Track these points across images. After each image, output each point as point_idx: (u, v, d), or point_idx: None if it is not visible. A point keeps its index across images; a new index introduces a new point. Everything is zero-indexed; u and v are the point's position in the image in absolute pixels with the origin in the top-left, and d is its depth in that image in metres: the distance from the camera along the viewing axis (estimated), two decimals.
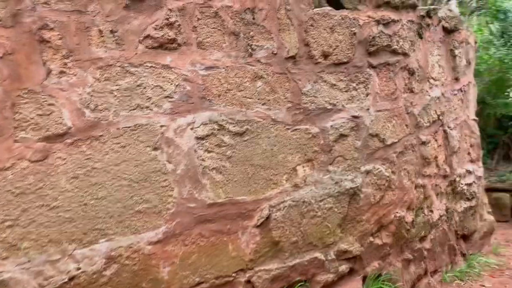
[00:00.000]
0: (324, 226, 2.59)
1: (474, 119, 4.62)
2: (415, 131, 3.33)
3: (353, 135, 2.75)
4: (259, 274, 2.34)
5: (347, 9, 2.80)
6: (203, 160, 2.21)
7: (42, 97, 1.86)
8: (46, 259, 1.85)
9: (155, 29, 2.10)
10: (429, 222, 3.48)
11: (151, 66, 2.09)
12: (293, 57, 2.50)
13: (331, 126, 2.64)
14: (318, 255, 2.56)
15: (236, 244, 2.28)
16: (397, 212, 3.05)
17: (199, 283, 2.16)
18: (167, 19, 2.13)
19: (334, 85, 2.68)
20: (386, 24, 2.97)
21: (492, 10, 7.90)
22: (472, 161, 4.42)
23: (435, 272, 3.56)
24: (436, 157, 3.63)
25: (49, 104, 1.87)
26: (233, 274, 2.27)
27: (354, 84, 2.78)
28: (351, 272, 2.75)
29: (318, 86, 2.60)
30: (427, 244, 3.44)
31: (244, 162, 2.32)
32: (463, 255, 4.11)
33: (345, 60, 2.73)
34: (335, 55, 2.68)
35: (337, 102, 2.68)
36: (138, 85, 2.06)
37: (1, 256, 1.78)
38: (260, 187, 2.37)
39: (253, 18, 2.37)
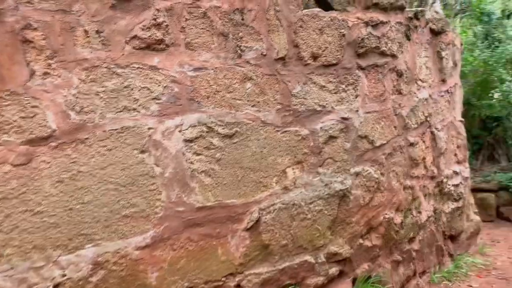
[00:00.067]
0: (314, 229, 2.57)
1: (460, 121, 4.66)
2: (403, 132, 3.34)
3: (342, 136, 2.74)
4: (249, 278, 2.31)
5: (336, 10, 2.79)
6: (191, 163, 2.17)
7: (26, 98, 1.80)
8: (30, 266, 1.79)
9: (142, 29, 2.06)
10: (418, 223, 3.49)
11: (138, 67, 2.05)
12: (282, 59, 2.48)
13: (321, 128, 2.63)
14: (308, 258, 2.54)
15: (225, 248, 2.25)
16: (386, 214, 3.05)
17: None
18: (155, 19, 2.09)
19: (324, 86, 2.66)
20: (375, 25, 2.97)
21: (476, 12, 8.00)
22: (459, 162, 4.46)
23: (423, 273, 3.57)
24: (424, 159, 3.65)
25: (33, 106, 1.81)
26: (223, 279, 2.23)
27: (343, 86, 2.77)
28: (341, 274, 2.74)
29: (308, 88, 2.58)
30: (415, 245, 3.45)
31: (234, 165, 2.29)
32: (451, 255, 4.13)
33: (334, 62, 2.71)
34: (324, 56, 2.66)
35: (326, 103, 2.67)
36: (125, 87, 2.01)
37: None
38: (250, 190, 2.34)
39: (242, 19, 2.34)
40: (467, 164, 4.75)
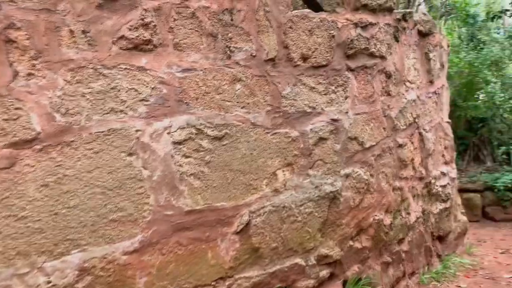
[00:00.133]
0: (305, 231, 2.55)
1: (447, 122, 4.70)
2: (392, 134, 3.35)
3: (332, 138, 2.73)
4: (239, 282, 2.28)
5: (325, 11, 2.78)
6: (180, 165, 2.13)
7: (9, 100, 1.75)
8: (13, 273, 1.73)
9: (130, 29, 2.01)
10: (407, 224, 3.49)
11: (125, 68, 2.00)
12: (272, 60, 2.46)
13: (311, 129, 2.61)
14: (299, 260, 2.52)
15: (215, 252, 2.22)
16: (376, 215, 3.05)
17: None
18: (142, 19, 2.05)
19: (313, 88, 2.65)
20: (364, 27, 2.97)
21: (462, 14, 8.09)
22: (446, 163, 4.49)
23: (412, 274, 3.58)
24: (412, 160, 3.66)
25: (16, 108, 1.76)
26: (213, 283, 2.20)
27: (333, 87, 2.75)
28: (332, 277, 2.72)
29: (298, 89, 2.57)
30: (405, 247, 3.45)
31: (223, 167, 2.26)
32: (439, 256, 4.16)
33: (324, 63, 2.70)
34: (314, 58, 2.65)
35: (316, 105, 2.65)
36: (112, 88, 1.96)
37: None
38: (240, 193, 2.31)
39: (232, 19, 2.31)
40: (454, 165, 4.79)
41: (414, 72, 3.79)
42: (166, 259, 2.07)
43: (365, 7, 3.02)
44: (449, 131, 4.68)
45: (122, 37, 1.99)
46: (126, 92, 1.99)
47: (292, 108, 2.54)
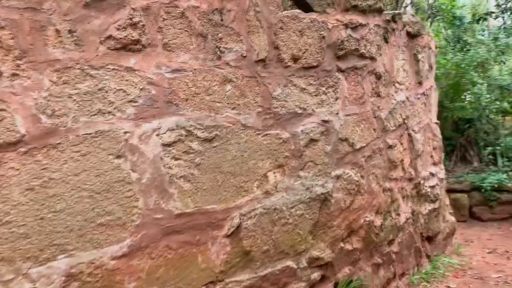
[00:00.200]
0: (296, 234, 2.53)
1: (436, 123, 4.72)
2: (382, 135, 3.35)
3: (323, 139, 2.71)
4: (230, 286, 2.25)
5: (315, 12, 2.77)
6: (170, 168, 2.09)
7: None
8: None
9: (118, 29, 1.97)
10: (397, 225, 3.50)
11: (113, 69, 1.96)
12: (263, 60, 2.43)
13: (302, 131, 2.59)
14: (290, 263, 2.49)
15: (205, 256, 2.18)
16: (366, 217, 3.04)
17: None
18: (131, 18, 2.00)
19: (304, 89, 2.63)
20: (354, 28, 2.96)
21: (449, 16, 8.17)
22: (435, 163, 4.51)
23: (402, 275, 3.59)
24: (402, 161, 3.67)
25: (0, 110, 1.70)
26: (203, 287, 2.16)
27: (323, 88, 2.74)
28: (323, 279, 2.70)
29: (288, 90, 2.54)
30: (395, 248, 3.45)
31: (214, 170, 2.22)
32: (428, 256, 4.17)
33: (314, 64, 2.69)
34: (304, 58, 2.63)
35: (307, 106, 2.63)
36: (99, 89, 1.92)
37: None
38: (231, 195, 2.28)
39: (222, 20, 2.28)
40: (442, 166, 4.82)
41: (403, 73, 3.80)
42: (155, 263, 2.03)
43: (355, 8, 3.01)
44: (438, 132, 4.71)
45: (110, 37, 1.95)
46: (114, 93, 1.95)
47: (283, 109, 2.51)
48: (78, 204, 1.84)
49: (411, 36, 4.00)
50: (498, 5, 8.70)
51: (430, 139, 4.44)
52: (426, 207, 4.17)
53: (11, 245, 1.70)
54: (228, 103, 2.29)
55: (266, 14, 2.46)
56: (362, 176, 3.01)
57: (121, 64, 1.98)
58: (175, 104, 2.12)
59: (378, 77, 3.27)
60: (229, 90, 2.30)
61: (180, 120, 2.13)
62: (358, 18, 3.02)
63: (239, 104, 2.33)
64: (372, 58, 3.17)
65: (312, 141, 2.64)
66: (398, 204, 3.58)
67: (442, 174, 4.74)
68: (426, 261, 4.09)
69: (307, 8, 2.75)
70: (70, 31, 1.84)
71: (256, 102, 2.40)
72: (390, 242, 3.40)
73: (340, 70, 2.87)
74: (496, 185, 6.91)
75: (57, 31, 1.82)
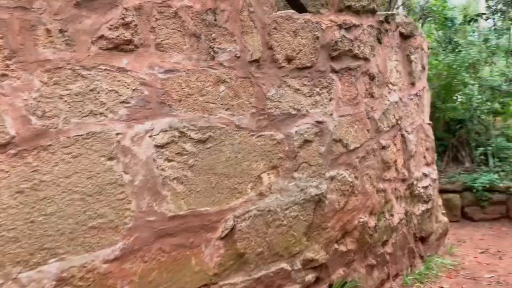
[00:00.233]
0: (290, 235, 2.51)
1: (428, 123, 4.74)
2: (376, 135, 3.34)
3: (317, 140, 2.70)
4: None
5: (309, 12, 2.75)
6: (163, 170, 2.06)
7: None
8: None
9: (110, 29, 1.94)
10: (390, 226, 3.49)
11: (105, 69, 1.93)
12: (256, 61, 2.41)
13: (296, 131, 2.58)
14: (284, 265, 2.48)
15: (199, 258, 2.15)
16: (360, 218, 3.04)
17: None
18: (123, 18, 1.97)
19: (298, 90, 2.61)
20: (348, 28, 2.95)
21: (440, 17, 8.21)
22: (427, 164, 4.53)
23: (396, 276, 3.58)
24: (395, 161, 3.67)
25: None
26: None
27: (317, 89, 2.73)
28: (317, 281, 2.69)
29: (282, 91, 2.53)
30: (388, 248, 3.45)
31: (207, 171, 2.20)
32: (421, 257, 4.18)
33: (308, 65, 2.67)
34: (298, 59, 2.62)
35: (301, 107, 2.62)
36: (91, 90, 1.88)
37: None
38: (224, 197, 2.25)
39: (215, 20, 2.26)
40: (435, 166, 4.84)
41: (396, 74, 3.80)
42: (148, 266, 2.00)
43: (349, 9, 3.00)
44: (430, 132, 4.72)
45: (101, 36, 1.92)
46: (106, 94, 1.92)
47: (277, 110, 2.50)
48: (70, 207, 1.81)
49: (404, 37, 4.01)
50: (488, 7, 8.77)
51: (423, 139, 4.45)
52: (419, 208, 4.18)
53: (0, 249, 1.66)
54: (221, 104, 2.27)
55: (260, 14, 2.45)
56: (356, 177, 3.00)
57: (113, 65, 1.95)
58: (168, 105, 2.09)
59: (372, 78, 3.26)
60: (222, 90, 2.27)
61: (173, 121, 2.10)
62: (351, 19, 3.01)
63: (233, 105, 2.31)
64: (366, 59, 3.16)
65: (306, 142, 2.63)
66: (392, 205, 3.58)
67: (434, 174, 4.76)
68: (420, 262, 4.09)
69: (301, 9, 2.73)
70: (61, 31, 1.81)
71: (250, 103, 2.38)
72: (384, 243, 3.40)
73: (334, 71, 2.86)
74: (487, 185, 6.96)
75: (48, 30, 1.78)
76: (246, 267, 2.32)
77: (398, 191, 3.76)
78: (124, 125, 1.96)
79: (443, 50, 8.42)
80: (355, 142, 3.01)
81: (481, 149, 7.82)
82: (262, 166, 2.41)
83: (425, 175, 4.40)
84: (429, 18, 9.23)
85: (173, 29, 2.12)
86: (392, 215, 3.55)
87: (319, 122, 2.71)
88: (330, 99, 2.81)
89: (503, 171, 7.36)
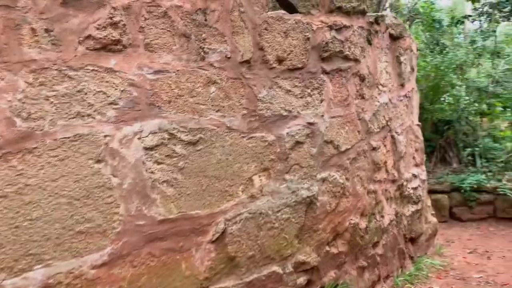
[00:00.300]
0: (282, 238, 2.48)
1: (418, 124, 4.75)
2: (366, 137, 3.34)
3: (308, 142, 2.68)
4: None
5: (300, 13, 2.73)
6: (152, 172, 2.02)
7: None
8: None
9: (98, 28, 1.89)
10: (381, 227, 3.49)
11: (92, 70, 1.88)
12: (247, 62, 2.38)
13: (287, 133, 2.55)
14: (276, 268, 2.45)
15: (189, 262, 2.12)
16: (351, 219, 3.02)
17: None
18: (111, 18, 1.93)
19: (289, 91, 2.59)
20: (339, 29, 2.94)
21: (428, 19, 8.28)
22: (417, 165, 4.54)
23: (387, 277, 3.58)
24: (385, 163, 3.67)
25: None
26: None
27: (308, 90, 2.71)
28: (309, 283, 2.67)
29: (274, 92, 2.50)
30: (379, 250, 3.44)
31: (198, 174, 2.16)
32: (411, 258, 4.19)
33: (299, 66, 2.65)
34: (289, 60, 2.59)
35: (292, 108, 2.60)
36: (78, 91, 1.83)
37: None
38: (215, 200, 2.22)
39: (205, 20, 2.22)
40: (424, 167, 4.86)
41: (386, 75, 3.80)
42: (137, 271, 1.96)
43: (339, 10, 2.99)
44: (419, 133, 4.74)
45: (89, 36, 1.87)
46: (94, 95, 1.87)
47: (268, 111, 2.47)
48: (56, 211, 1.76)
49: (394, 38, 4.01)
50: (475, 9, 8.86)
51: (412, 140, 4.47)
52: (409, 209, 4.19)
53: None
54: (212, 105, 2.23)
55: (250, 14, 2.42)
56: (347, 179, 2.99)
57: (101, 65, 1.90)
58: (158, 106, 2.05)
59: (362, 79, 3.26)
60: (213, 92, 2.24)
61: (162, 123, 2.06)
62: (342, 20, 3.00)
63: (223, 106, 2.28)
64: (356, 60, 3.16)
65: (298, 143, 2.61)
66: (382, 206, 3.58)
67: (424, 175, 4.78)
68: (410, 263, 4.10)
69: (291, 9, 2.71)
70: (46, 30, 1.76)
71: (241, 104, 2.35)
72: (375, 245, 3.39)
73: (325, 72, 2.84)
74: (475, 186, 7.01)
75: (33, 30, 1.73)
76: (237, 271, 2.29)
77: (388, 192, 3.76)
78: (112, 127, 1.91)
79: (431, 52, 8.49)
80: (346, 144, 2.99)
81: (468, 149, 7.89)
82: (253, 168, 2.38)
83: (415, 176, 4.41)
84: (417, 20, 9.30)
85: (162, 29, 2.08)
86: (382, 216, 3.55)
87: (310, 124, 2.69)
88: (321, 100, 2.79)
89: (490, 171, 7.43)
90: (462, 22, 8.99)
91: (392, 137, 3.90)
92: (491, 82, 8.28)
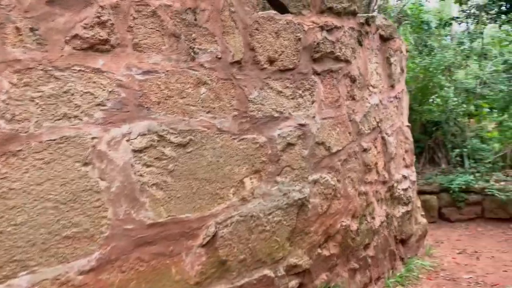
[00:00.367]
0: (273, 241, 2.45)
1: (407, 126, 4.76)
2: (357, 138, 3.32)
3: (300, 143, 2.65)
4: None
5: (291, 13, 2.71)
6: (141, 175, 1.97)
7: None
8: None
9: (85, 28, 1.84)
10: (372, 229, 3.48)
11: (79, 70, 1.83)
12: (238, 62, 2.35)
13: (279, 135, 2.52)
14: (268, 272, 2.41)
15: (180, 267, 2.07)
16: (343, 221, 3.00)
17: None
18: (99, 17, 1.88)
19: (281, 92, 2.56)
20: (330, 30, 2.92)
21: (417, 21, 8.33)
22: (407, 166, 4.55)
23: (378, 279, 3.57)
24: (376, 164, 3.66)
25: None
26: None
27: (300, 91, 2.68)
28: (301, 287, 2.64)
29: (265, 93, 2.47)
30: (370, 252, 3.43)
31: (188, 176, 2.12)
32: (402, 259, 4.19)
33: (291, 67, 2.62)
34: (281, 61, 2.56)
35: (284, 109, 2.57)
36: (64, 92, 1.78)
37: None
38: (206, 203, 2.18)
39: (195, 19, 2.18)
40: (413, 168, 4.87)
41: (376, 76, 3.80)
42: (126, 277, 1.91)
43: (330, 10, 2.97)
44: (409, 135, 4.75)
45: (76, 36, 1.82)
46: (81, 96, 1.82)
47: (260, 112, 2.44)
48: (42, 216, 1.70)
49: (384, 39, 4.01)
50: (462, 11, 8.94)
51: (402, 142, 4.47)
52: (400, 210, 4.19)
53: None
54: (202, 107, 2.19)
55: (241, 14, 2.38)
56: (338, 180, 2.97)
57: (88, 65, 1.85)
58: (147, 107, 2.01)
59: (353, 80, 3.24)
60: (203, 93, 2.20)
61: (152, 125, 2.02)
62: (333, 21, 2.98)
63: (214, 108, 2.24)
64: (347, 61, 3.14)
65: (289, 145, 2.58)
66: (373, 208, 3.57)
67: (413, 176, 4.79)
68: (400, 264, 4.10)
69: (282, 9, 2.68)
70: (31, 29, 1.71)
71: (232, 106, 2.32)
72: (366, 246, 3.38)
73: (316, 73, 2.82)
74: (463, 186, 7.06)
75: (17, 29, 1.68)
76: (228, 275, 2.25)
77: (379, 194, 3.75)
78: (100, 128, 1.87)
79: (419, 54, 8.54)
80: (337, 145, 2.97)
81: (457, 150, 7.95)
82: (244, 170, 2.35)
83: (405, 177, 4.42)
84: (405, 22, 9.36)
85: (151, 28, 2.04)
86: (373, 218, 3.54)
87: (302, 125, 2.67)
88: (313, 102, 2.76)
89: (478, 172, 7.49)
90: (450, 24, 9.07)
91: (383, 138, 3.90)
92: (479, 84, 8.36)
